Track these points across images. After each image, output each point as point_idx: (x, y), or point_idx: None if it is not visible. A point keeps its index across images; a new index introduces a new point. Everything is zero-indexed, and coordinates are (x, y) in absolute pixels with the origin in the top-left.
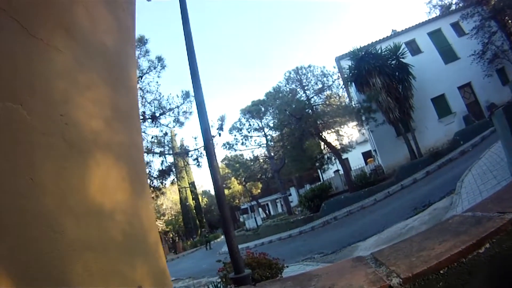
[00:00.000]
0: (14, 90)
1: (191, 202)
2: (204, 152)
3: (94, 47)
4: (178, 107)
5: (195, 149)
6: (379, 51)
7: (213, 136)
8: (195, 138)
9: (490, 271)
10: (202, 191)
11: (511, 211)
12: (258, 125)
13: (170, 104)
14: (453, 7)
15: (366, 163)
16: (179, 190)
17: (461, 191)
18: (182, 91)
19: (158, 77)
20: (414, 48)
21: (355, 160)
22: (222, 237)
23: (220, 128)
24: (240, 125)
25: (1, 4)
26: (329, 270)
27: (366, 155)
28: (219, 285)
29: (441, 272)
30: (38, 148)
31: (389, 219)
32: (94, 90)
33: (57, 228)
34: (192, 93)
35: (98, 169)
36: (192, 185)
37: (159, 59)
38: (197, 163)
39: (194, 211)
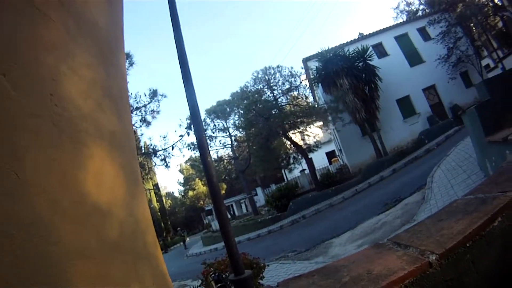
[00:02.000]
0: None
1: (155, 204)
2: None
3: (86, 22)
4: (145, 106)
5: (163, 149)
6: (347, 53)
7: (182, 136)
8: (164, 137)
9: (504, 241)
10: (166, 193)
11: (511, 190)
12: (223, 125)
13: (137, 103)
14: (420, 13)
15: (331, 163)
16: None
17: (432, 186)
18: (150, 89)
19: (127, 74)
20: (381, 51)
21: (319, 160)
22: (188, 239)
23: (189, 127)
24: (205, 125)
25: None
26: (354, 259)
27: (330, 155)
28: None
29: (467, 245)
30: (25, 133)
31: (360, 216)
32: (86, 70)
33: (52, 238)
34: (160, 91)
35: (92, 161)
36: (156, 187)
37: (128, 55)
38: (165, 164)
39: (159, 213)
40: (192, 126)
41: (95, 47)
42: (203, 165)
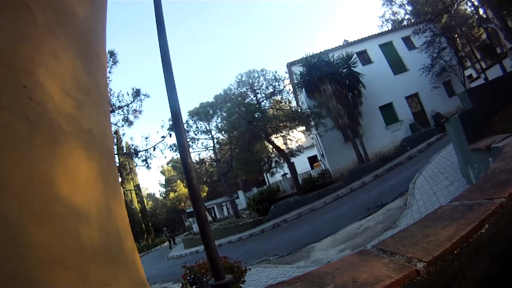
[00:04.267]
0: None
1: (136, 205)
2: (154, 154)
3: (66, 14)
4: (127, 105)
5: (144, 150)
6: (331, 59)
7: (163, 137)
8: (146, 138)
9: (491, 248)
10: (147, 194)
11: (497, 197)
12: (206, 127)
13: (119, 102)
14: (405, 22)
15: (313, 168)
16: (124, 193)
17: (414, 192)
18: (133, 89)
19: (110, 72)
20: (365, 58)
21: (301, 164)
22: (166, 243)
23: (171, 128)
24: (188, 127)
25: None
26: (339, 266)
27: (312, 160)
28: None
29: (455, 252)
30: None
31: (341, 221)
32: (63, 64)
33: (23, 241)
34: (143, 91)
35: (67, 160)
36: (137, 187)
37: (111, 53)
38: (146, 165)
39: (140, 214)
40: (173, 127)
41: (74, 41)
42: (183, 168)
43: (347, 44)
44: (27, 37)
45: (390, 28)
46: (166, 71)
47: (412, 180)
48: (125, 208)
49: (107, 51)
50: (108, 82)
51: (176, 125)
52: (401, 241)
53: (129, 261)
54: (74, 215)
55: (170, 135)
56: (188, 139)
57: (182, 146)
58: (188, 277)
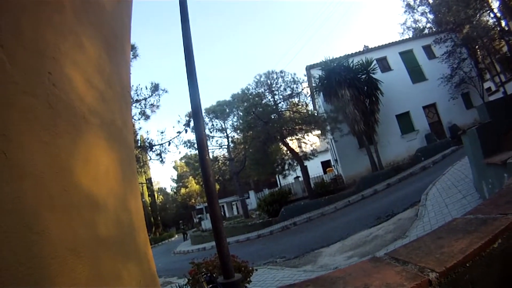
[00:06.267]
0: None
1: (147, 198)
2: (168, 148)
3: (94, 4)
4: (145, 99)
5: (159, 144)
6: (351, 64)
7: (179, 132)
8: (162, 132)
9: (504, 263)
10: (158, 188)
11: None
12: (221, 126)
13: (138, 96)
14: (426, 31)
15: (325, 172)
16: None
17: (426, 203)
18: (151, 83)
19: (130, 65)
20: (384, 65)
21: (314, 168)
22: (176, 236)
23: (187, 124)
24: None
25: None
26: (351, 272)
27: (325, 165)
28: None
29: (467, 265)
30: (17, 111)
31: (351, 227)
32: (87, 53)
33: (37, 227)
34: (161, 86)
35: (87, 150)
36: (149, 181)
37: (132, 47)
38: (160, 159)
39: (150, 208)
40: (192, 123)
41: (100, 31)
42: (200, 164)
43: (367, 50)
44: (54, 24)
45: (411, 36)
46: (189, 65)
47: (424, 191)
48: (140, 201)
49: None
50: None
51: (196, 121)
52: (414, 250)
53: (141, 254)
54: (91, 205)
55: (186, 131)
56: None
57: (201, 142)
58: (204, 275)
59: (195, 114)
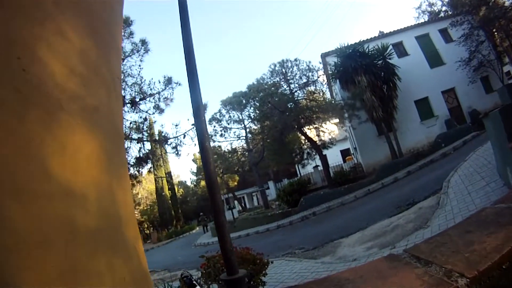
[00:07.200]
0: None
1: (167, 192)
2: (184, 141)
3: None
4: (159, 93)
5: (174, 137)
6: (366, 50)
7: (194, 124)
8: (176, 125)
9: None
10: (178, 181)
11: None
12: (239, 117)
13: (151, 90)
14: (442, 14)
15: (345, 161)
16: (155, 180)
17: (448, 191)
18: (164, 77)
19: (141, 61)
20: (401, 50)
21: (333, 157)
22: (197, 228)
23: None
24: (220, 116)
25: None
26: (363, 273)
27: (344, 153)
28: (199, 281)
29: (504, 267)
30: None
31: (371, 217)
32: (70, 42)
33: (3, 216)
34: (174, 79)
35: (65, 137)
36: (169, 175)
37: (143, 42)
38: (176, 152)
39: (170, 201)
40: (204, 116)
41: (87, 19)
42: (202, 159)
43: (382, 35)
44: (26, 10)
45: (426, 20)
46: (189, 65)
47: (446, 179)
48: (131, 194)
49: (139, 40)
50: (122, 63)
51: (197, 116)
52: (438, 247)
53: (130, 249)
54: (66, 195)
55: None
56: (220, 128)
57: (202, 136)
58: (184, 278)
59: (196, 111)
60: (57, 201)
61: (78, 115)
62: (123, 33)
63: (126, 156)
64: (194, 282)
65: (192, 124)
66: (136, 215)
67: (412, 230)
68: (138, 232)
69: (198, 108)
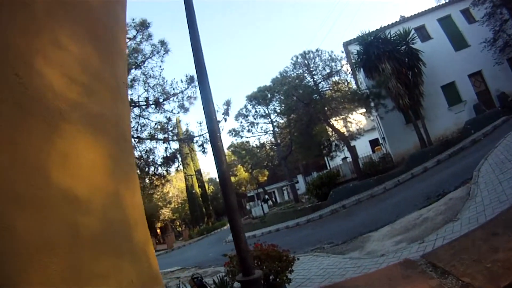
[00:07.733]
0: None
1: (197, 189)
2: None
3: (72, 1)
4: (182, 92)
5: (200, 135)
6: (388, 36)
7: (219, 121)
8: (200, 123)
9: None
10: (209, 178)
11: None
12: (265, 111)
13: (174, 89)
14: None
15: (374, 151)
16: (185, 178)
17: (478, 181)
18: (186, 76)
19: (162, 61)
20: (423, 34)
21: (362, 148)
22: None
23: (226, 113)
24: (246, 111)
25: None
26: (372, 281)
27: (373, 143)
28: (225, 278)
29: None
30: None
31: (400, 209)
32: (68, 51)
33: (4, 222)
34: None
35: (66, 145)
36: (198, 172)
37: (162, 43)
38: (202, 149)
39: (200, 198)
40: (230, 111)
41: (86, 26)
42: (214, 156)
43: (403, 19)
44: (23, 30)
45: (447, 1)
46: (198, 67)
47: (476, 167)
48: (140, 196)
49: (158, 41)
50: (126, 65)
51: (208, 116)
52: (459, 254)
53: (138, 252)
54: (69, 201)
55: (226, 120)
56: (247, 124)
57: (214, 132)
58: (195, 279)
59: (207, 111)
60: (59, 207)
61: (80, 123)
62: (141, 36)
63: (153, 158)
64: (204, 282)
65: (217, 121)
66: (168, 213)
67: (442, 223)
68: (148, 235)
69: (209, 108)
